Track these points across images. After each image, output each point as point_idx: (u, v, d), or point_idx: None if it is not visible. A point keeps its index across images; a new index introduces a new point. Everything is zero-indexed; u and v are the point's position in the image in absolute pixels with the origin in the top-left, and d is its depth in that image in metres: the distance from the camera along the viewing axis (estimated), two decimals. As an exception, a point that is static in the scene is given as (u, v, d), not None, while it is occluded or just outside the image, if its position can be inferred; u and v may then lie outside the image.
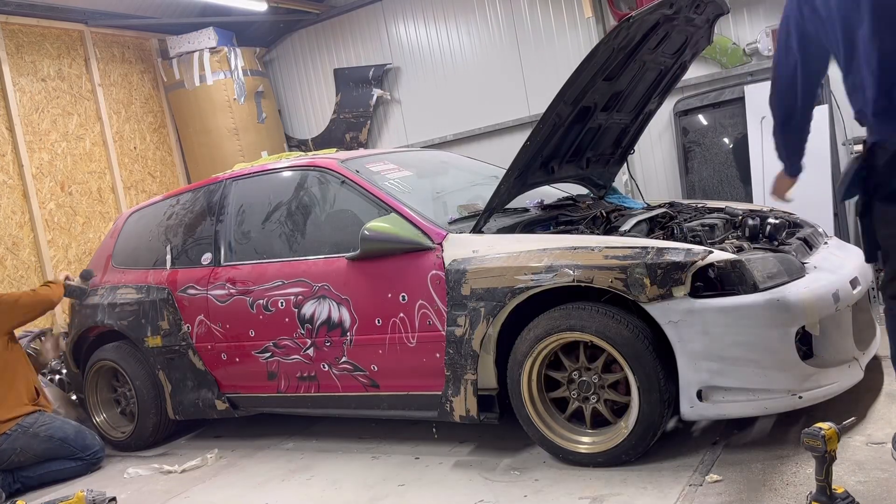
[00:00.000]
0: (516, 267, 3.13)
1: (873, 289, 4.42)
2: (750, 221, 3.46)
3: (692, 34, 3.76)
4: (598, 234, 3.37)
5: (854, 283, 3.11)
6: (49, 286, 4.66)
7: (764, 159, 5.12)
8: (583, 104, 3.46)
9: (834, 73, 5.27)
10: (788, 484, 2.65)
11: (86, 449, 4.35)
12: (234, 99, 6.82)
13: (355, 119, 7.12)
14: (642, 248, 2.97)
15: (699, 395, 2.86)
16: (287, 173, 4.20)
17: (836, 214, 4.94)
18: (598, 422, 3.11)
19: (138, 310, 4.49)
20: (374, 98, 6.96)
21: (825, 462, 2.33)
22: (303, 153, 4.95)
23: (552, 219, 3.71)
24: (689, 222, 3.46)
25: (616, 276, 2.93)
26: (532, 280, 3.08)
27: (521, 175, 3.52)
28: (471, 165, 4.80)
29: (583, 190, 4.49)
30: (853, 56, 2.28)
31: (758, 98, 5.24)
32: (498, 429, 3.59)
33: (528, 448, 3.40)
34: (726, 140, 5.47)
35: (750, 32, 5.50)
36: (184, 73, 6.84)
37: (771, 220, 3.45)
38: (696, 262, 2.84)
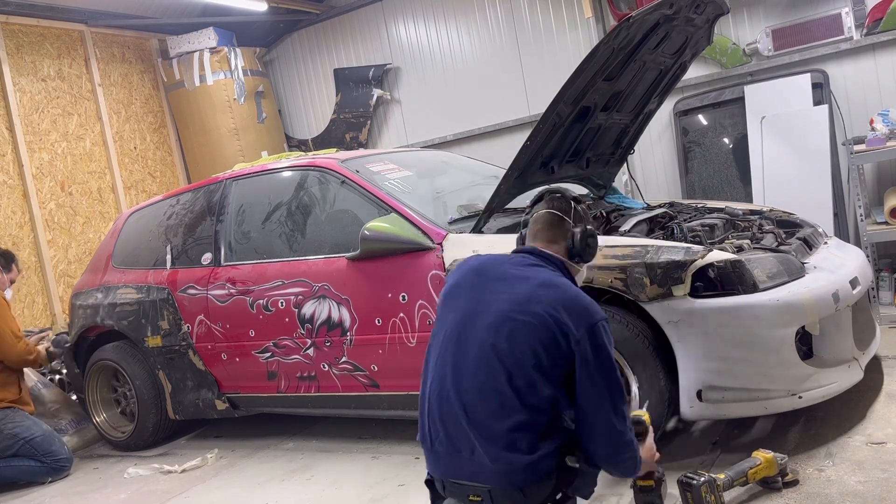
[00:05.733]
0: (516, 267, 3.13)
1: (873, 289, 4.42)
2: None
3: (692, 34, 3.76)
4: (598, 234, 3.36)
5: (854, 283, 3.11)
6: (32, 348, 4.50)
7: (764, 159, 5.12)
8: (583, 104, 3.46)
9: (834, 72, 5.29)
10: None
11: (50, 454, 4.32)
12: (234, 99, 6.82)
13: (355, 119, 7.12)
14: (642, 247, 2.97)
15: (699, 395, 2.86)
16: (287, 173, 4.20)
17: (836, 214, 4.94)
18: (598, 422, 3.11)
19: (138, 310, 4.49)
20: (374, 98, 6.96)
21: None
22: (303, 153, 4.95)
23: (552, 219, 3.71)
24: (689, 222, 3.46)
25: (616, 275, 2.93)
26: (532, 280, 3.07)
27: (521, 175, 3.52)
28: (471, 165, 4.80)
29: (583, 190, 4.49)
30: None
31: (758, 98, 5.24)
32: (498, 429, 3.58)
33: (528, 448, 3.39)
34: (726, 140, 5.47)
35: (750, 32, 5.50)
36: (184, 73, 6.84)
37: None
38: (695, 261, 2.84)
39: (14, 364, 4.44)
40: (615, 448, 2.11)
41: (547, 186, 2.60)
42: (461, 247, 3.36)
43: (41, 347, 4.62)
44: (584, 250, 2.37)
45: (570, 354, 2.08)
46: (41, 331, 4.86)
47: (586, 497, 2.26)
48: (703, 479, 2.48)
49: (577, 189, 4.47)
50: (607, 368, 2.09)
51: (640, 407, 2.92)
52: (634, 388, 2.96)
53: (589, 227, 2.41)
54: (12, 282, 4.75)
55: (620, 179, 5.39)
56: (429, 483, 2.34)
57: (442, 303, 2.40)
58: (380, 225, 3.47)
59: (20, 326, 4.60)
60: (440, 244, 3.42)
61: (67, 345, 4.82)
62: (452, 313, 2.31)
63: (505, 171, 3.49)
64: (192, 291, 4.26)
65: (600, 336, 2.09)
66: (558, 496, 2.21)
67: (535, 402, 2.09)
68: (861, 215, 4.59)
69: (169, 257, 4.49)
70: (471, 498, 2.16)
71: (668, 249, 2.92)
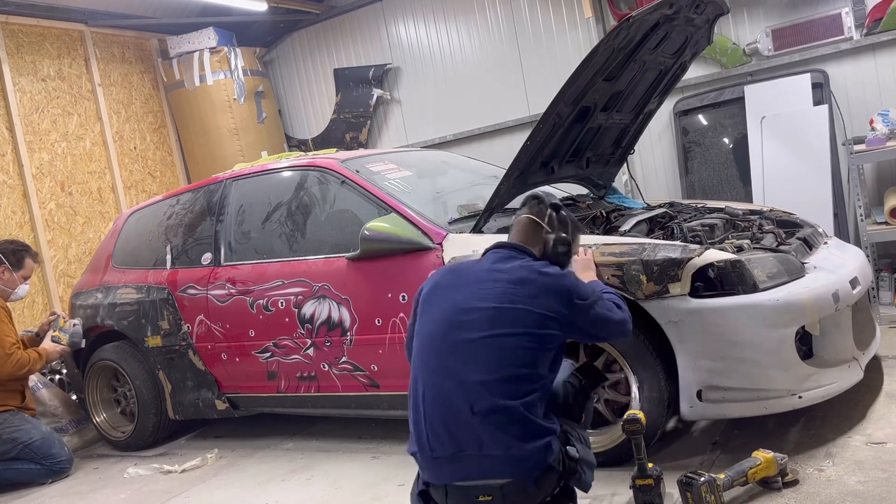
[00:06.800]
0: (516, 267, 3.12)
1: (873, 289, 4.42)
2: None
3: (692, 34, 3.76)
4: (597, 233, 3.37)
5: (854, 283, 3.11)
6: (34, 351, 4.37)
7: (764, 159, 5.12)
8: (583, 104, 3.46)
9: (834, 72, 5.29)
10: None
11: (49, 457, 4.29)
12: (234, 99, 6.82)
13: (355, 119, 7.12)
14: (639, 245, 2.98)
15: (699, 395, 2.86)
16: (287, 173, 4.20)
17: (836, 214, 4.94)
18: (599, 422, 3.11)
19: (138, 310, 4.49)
20: (374, 98, 6.96)
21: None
22: (303, 153, 4.95)
23: (552, 219, 3.71)
24: (689, 222, 3.46)
25: (613, 272, 2.94)
26: (532, 280, 3.07)
27: (521, 175, 3.52)
28: (471, 165, 4.80)
29: (583, 190, 4.49)
30: None
31: (758, 98, 5.24)
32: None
33: (528, 448, 3.39)
34: (726, 140, 5.47)
35: (750, 32, 5.50)
36: (184, 73, 6.84)
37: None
38: (692, 258, 2.84)
39: (4, 379, 4.27)
40: (622, 329, 2.46)
41: (533, 191, 2.65)
42: (461, 246, 3.36)
43: (47, 345, 4.44)
44: (555, 257, 2.46)
45: (560, 328, 2.30)
46: (49, 319, 4.60)
47: (586, 488, 2.33)
48: (703, 479, 2.48)
49: (578, 189, 4.48)
50: (593, 310, 2.36)
51: (640, 406, 2.93)
52: (634, 389, 2.96)
53: (563, 234, 2.48)
54: (25, 278, 4.50)
55: (620, 179, 5.39)
56: (423, 494, 2.31)
57: (421, 309, 2.44)
58: (380, 225, 3.47)
59: (18, 336, 4.41)
60: (440, 244, 3.42)
61: (82, 343, 4.59)
62: (431, 322, 2.36)
63: (505, 171, 3.49)
64: (192, 291, 4.26)
65: (578, 298, 2.33)
66: (557, 490, 2.26)
67: (535, 381, 2.23)
68: (861, 215, 4.59)
69: (169, 257, 4.49)
70: (480, 499, 2.17)
71: (665, 247, 2.93)
